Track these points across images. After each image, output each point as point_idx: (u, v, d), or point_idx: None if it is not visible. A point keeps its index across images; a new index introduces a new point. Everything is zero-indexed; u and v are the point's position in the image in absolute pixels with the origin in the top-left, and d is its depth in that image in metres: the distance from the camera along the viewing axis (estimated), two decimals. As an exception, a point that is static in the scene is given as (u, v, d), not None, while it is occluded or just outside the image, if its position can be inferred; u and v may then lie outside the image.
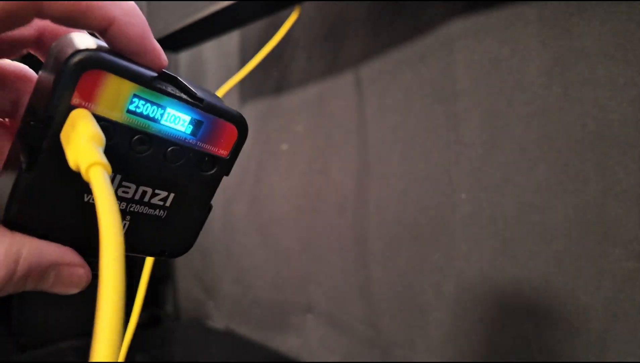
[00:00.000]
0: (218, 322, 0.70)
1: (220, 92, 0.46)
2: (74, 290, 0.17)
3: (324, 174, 0.54)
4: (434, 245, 0.43)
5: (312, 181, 0.56)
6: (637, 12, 0.32)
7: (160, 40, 0.60)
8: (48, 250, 0.16)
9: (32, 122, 0.15)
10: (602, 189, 0.33)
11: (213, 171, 0.19)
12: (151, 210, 0.18)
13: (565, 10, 0.35)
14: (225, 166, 0.19)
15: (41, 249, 0.16)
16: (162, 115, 0.17)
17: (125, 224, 0.18)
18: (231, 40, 0.68)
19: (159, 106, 0.17)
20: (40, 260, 0.16)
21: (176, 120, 0.17)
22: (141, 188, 0.17)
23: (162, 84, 0.17)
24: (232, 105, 0.69)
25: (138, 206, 0.18)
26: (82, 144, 0.14)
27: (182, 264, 0.78)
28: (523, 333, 0.37)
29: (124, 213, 0.18)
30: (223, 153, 0.19)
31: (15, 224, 0.16)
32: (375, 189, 0.49)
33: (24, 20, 0.15)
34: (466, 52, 0.41)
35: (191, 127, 0.18)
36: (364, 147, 0.50)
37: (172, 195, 0.18)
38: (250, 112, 0.65)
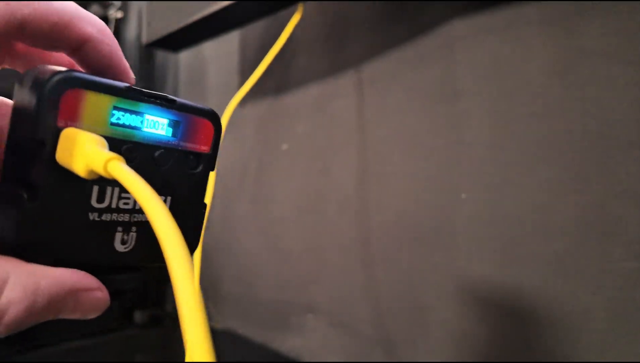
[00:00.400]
0: (218, 322, 0.70)
1: (236, 98, 0.47)
2: (94, 315, 0.17)
3: (325, 175, 0.54)
4: (435, 245, 0.43)
5: (313, 181, 0.56)
6: (638, 12, 0.32)
7: (160, 40, 0.60)
8: (65, 276, 0.16)
9: (22, 153, 0.16)
10: (604, 189, 0.33)
11: (200, 168, 0.20)
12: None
13: (567, 10, 0.35)
14: (209, 161, 0.20)
15: (58, 277, 0.16)
16: (142, 122, 0.18)
17: (133, 235, 0.18)
18: (231, 40, 0.68)
19: (137, 113, 0.17)
20: (59, 288, 0.16)
21: (156, 125, 0.18)
22: None
23: (135, 93, 0.17)
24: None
25: (141, 215, 0.18)
26: (90, 149, 0.15)
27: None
28: (524, 333, 0.37)
29: (130, 225, 0.18)
30: (205, 148, 0.20)
31: (28, 255, 0.16)
32: (376, 189, 0.49)
33: (4, 41, 0.16)
34: (467, 52, 0.41)
35: (170, 129, 0.19)
36: (365, 147, 0.50)
37: (169, 198, 0.19)
38: (250, 113, 0.65)
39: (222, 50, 0.71)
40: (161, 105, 0.18)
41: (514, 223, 0.38)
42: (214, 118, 0.20)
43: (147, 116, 0.18)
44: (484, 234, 0.40)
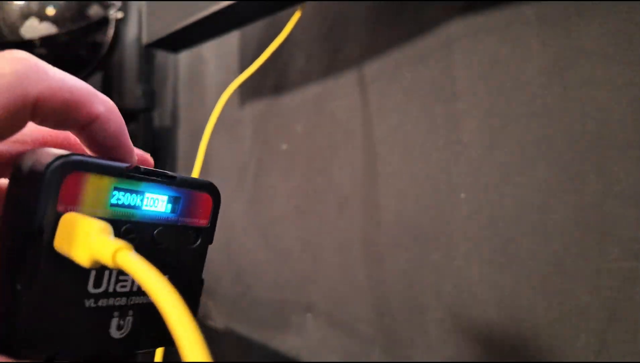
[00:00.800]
0: (218, 322, 0.70)
1: (225, 95, 0.47)
2: None
3: (324, 174, 0.54)
4: (434, 245, 0.43)
5: (312, 181, 0.56)
6: (637, 12, 0.32)
7: (160, 41, 0.60)
8: None
9: (17, 240, 0.15)
10: (601, 189, 0.33)
11: (198, 243, 0.19)
12: (149, 298, 0.18)
13: (565, 10, 0.35)
14: (208, 234, 0.20)
15: None
16: (142, 201, 0.17)
17: (129, 320, 0.18)
18: (231, 40, 0.68)
19: (137, 193, 0.17)
20: None
21: (156, 202, 0.18)
22: None
23: (136, 173, 0.17)
24: (232, 105, 0.69)
25: (137, 297, 0.18)
26: (95, 237, 0.14)
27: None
28: (522, 333, 0.37)
29: (127, 309, 0.17)
30: (204, 222, 0.19)
31: (20, 352, 0.15)
32: (374, 189, 0.49)
33: (20, 120, 0.15)
34: (466, 52, 0.41)
35: (170, 205, 0.18)
36: (363, 147, 0.50)
37: (166, 277, 0.19)
38: (249, 112, 0.65)
39: (221, 50, 0.71)
40: (161, 182, 0.18)
41: (512, 223, 0.38)
42: (214, 191, 0.20)
43: (147, 195, 0.17)
44: (483, 233, 0.40)
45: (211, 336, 0.69)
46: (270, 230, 0.61)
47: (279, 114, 0.61)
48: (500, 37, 0.39)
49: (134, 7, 0.82)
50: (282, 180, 0.60)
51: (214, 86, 0.73)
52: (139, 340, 0.18)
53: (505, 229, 0.38)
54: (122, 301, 0.17)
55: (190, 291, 0.20)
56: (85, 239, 0.14)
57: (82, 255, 0.14)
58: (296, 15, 0.45)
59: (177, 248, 0.19)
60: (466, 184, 0.41)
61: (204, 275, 0.21)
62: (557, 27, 0.36)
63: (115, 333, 0.17)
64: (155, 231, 0.18)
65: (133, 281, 0.17)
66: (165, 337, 0.19)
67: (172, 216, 0.18)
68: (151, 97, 0.86)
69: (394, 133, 0.47)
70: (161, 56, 0.83)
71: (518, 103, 0.38)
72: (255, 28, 0.62)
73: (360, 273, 0.50)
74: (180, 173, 0.19)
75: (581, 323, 0.34)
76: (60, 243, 0.15)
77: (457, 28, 0.42)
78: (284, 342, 0.59)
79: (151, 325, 0.18)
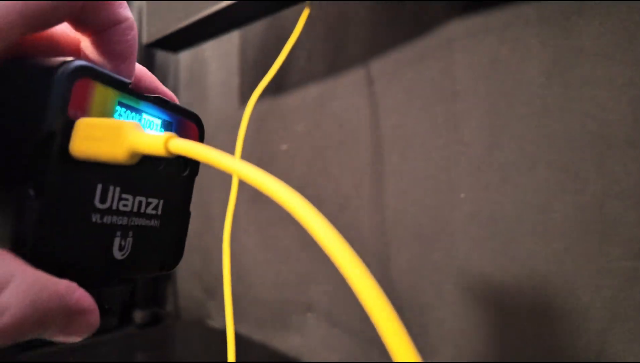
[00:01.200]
0: (218, 322, 0.70)
1: (252, 100, 0.47)
2: (77, 339, 0.15)
3: (324, 174, 0.54)
4: (434, 245, 0.43)
5: (312, 181, 0.56)
6: (637, 12, 0.32)
7: (160, 41, 0.60)
8: (67, 293, 0.14)
9: (18, 147, 0.14)
10: (602, 189, 0.33)
11: (187, 172, 0.20)
12: (148, 221, 0.18)
13: (565, 10, 0.35)
14: (195, 165, 0.20)
15: (61, 292, 0.14)
16: (140, 121, 0.17)
17: (129, 241, 0.17)
18: (232, 40, 0.68)
19: (137, 111, 0.17)
20: (58, 305, 0.14)
21: (151, 125, 0.18)
22: (137, 199, 0.17)
23: (136, 91, 0.17)
24: (233, 105, 0.69)
25: (137, 218, 0.18)
26: (135, 132, 0.14)
27: (183, 264, 0.78)
28: (523, 333, 0.37)
29: (127, 229, 0.17)
30: None
31: (33, 257, 0.14)
32: (375, 188, 0.49)
33: (63, 12, 0.15)
34: (466, 52, 0.41)
35: (163, 130, 0.18)
36: (364, 147, 0.50)
37: (161, 202, 0.19)
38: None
39: (222, 50, 0.71)
40: (157, 105, 0.18)
41: (512, 223, 0.38)
42: (199, 122, 0.20)
43: (144, 115, 0.17)
44: (483, 233, 0.40)
45: (211, 336, 0.69)
46: (271, 229, 0.61)
47: (279, 114, 0.61)
48: (500, 37, 0.39)
49: (134, 7, 0.82)
50: (282, 180, 0.60)
51: (214, 86, 0.73)
52: (137, 264, 0.18)
53: (505, 229, 0.38)
54: (124, 220, 0.17)
55: (181, 220, 0.20)
56: (121, 135, 0.14)
57: (119, 150, 0.14)
58: (305, 14, 0.45)
59: (170, 174, 0.19)
60: (466, 184, 0.41)
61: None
62: (557, 27, 0.36)
63: (117, 253, 0.17)
64: None
65: (134, 201, 0.17)
66: (156, 263, 0.19)
67: None
68: (152, 97, 0.86)
69: (394, 133, 0.47)
70: (162, 55, 0.83)
71: (518, 103, 0.38)
72: (256, 28, 0.62)
73: (360, 273, 0.50)
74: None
75: (582, 323, 0.34)
76: (81, 146, 0.14)
77: (457, 28, 0.42)
78: (285, 342, 0.59)
79: (149, 249, 0.18)
